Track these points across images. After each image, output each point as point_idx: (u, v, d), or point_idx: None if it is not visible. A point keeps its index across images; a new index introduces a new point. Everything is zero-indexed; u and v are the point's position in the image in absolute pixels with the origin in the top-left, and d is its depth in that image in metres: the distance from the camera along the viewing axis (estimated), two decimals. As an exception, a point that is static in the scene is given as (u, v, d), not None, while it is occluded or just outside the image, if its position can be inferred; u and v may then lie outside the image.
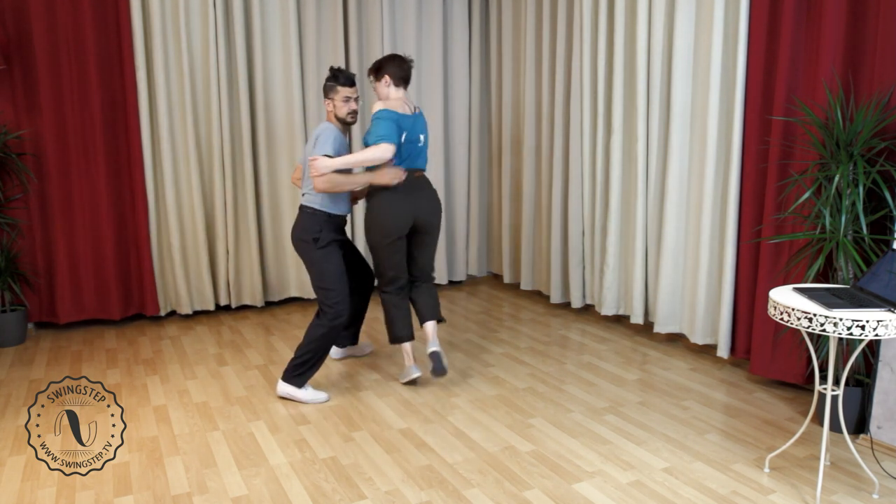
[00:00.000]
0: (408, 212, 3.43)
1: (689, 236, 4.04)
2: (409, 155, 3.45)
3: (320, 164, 3.23)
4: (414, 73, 5.38)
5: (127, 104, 4.54)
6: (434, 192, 3.56)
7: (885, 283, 2.42)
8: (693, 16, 3.86)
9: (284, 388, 3.44)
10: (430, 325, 3.61)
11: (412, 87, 5.40)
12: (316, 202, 3.39)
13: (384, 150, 3.28)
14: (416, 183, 3.48)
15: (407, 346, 3.61)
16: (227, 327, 4.71)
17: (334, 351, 4.06)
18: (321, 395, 3.45)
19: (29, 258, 4.52)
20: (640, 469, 2.76)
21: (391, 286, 3.57)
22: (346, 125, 3.46)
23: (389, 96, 3.48)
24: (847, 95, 3.15)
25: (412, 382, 3.67)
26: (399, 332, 3.60)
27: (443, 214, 3.46)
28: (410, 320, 3.63)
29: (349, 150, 3.50)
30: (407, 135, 3.39)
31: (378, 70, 3.49)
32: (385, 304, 3.62)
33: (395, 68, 3.44)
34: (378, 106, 3.40)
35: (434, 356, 3.50)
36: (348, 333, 3.99)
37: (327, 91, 3.44)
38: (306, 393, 3.44)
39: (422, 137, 3.48)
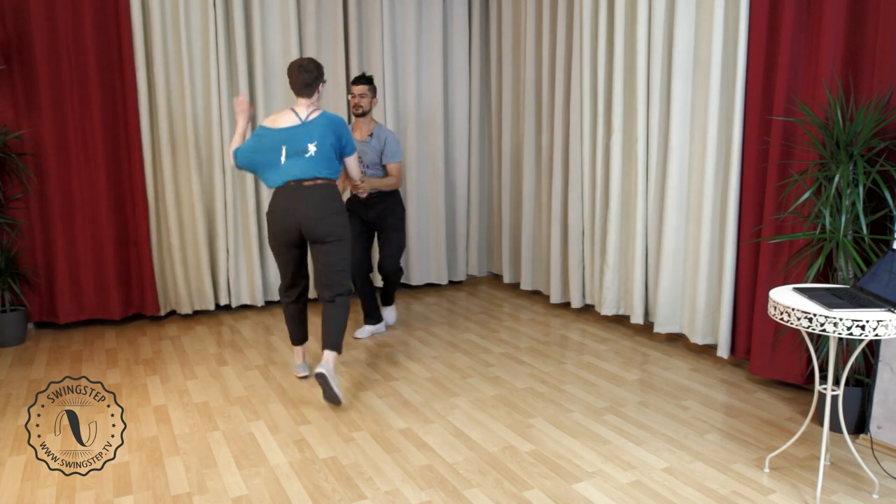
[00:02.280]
0: (289, 221, 3.41)
1: (689, 236, 4.04)
2: (293, 166, 3.40)
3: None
4: (414, 73, 5.38)
5: (127, 104, 4.54)
6: (321, 199, 3.41)
7: (885, 283, 2.42)
8: (693, 16, 3.86)
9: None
10: (325, 354, 3.47)
11: (412, 86, 5.39)
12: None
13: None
14: (297, 192, 3.39)
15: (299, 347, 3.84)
16: (227, 327, 4.71)
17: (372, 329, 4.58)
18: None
19: (29, 258, 4.52)
20: (640, 469, 2.76)
21: (283, 293, 3.71)
22: (356, 116, 4.30)
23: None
24: (847, 95, 3.15)
25: (304, 378, 3.79)
26: (291, 337, 3.82)
27: (336, 224, 3.46)
28: (304, 326, 3.80)
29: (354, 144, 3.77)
30: (287, 147, 3.40)
31: None
32: (283, 311, 3.84)
33: (291, 79, 3.47)
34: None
35: (319, 378, 3.29)
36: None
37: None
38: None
39: (311, 147, 3.40)
